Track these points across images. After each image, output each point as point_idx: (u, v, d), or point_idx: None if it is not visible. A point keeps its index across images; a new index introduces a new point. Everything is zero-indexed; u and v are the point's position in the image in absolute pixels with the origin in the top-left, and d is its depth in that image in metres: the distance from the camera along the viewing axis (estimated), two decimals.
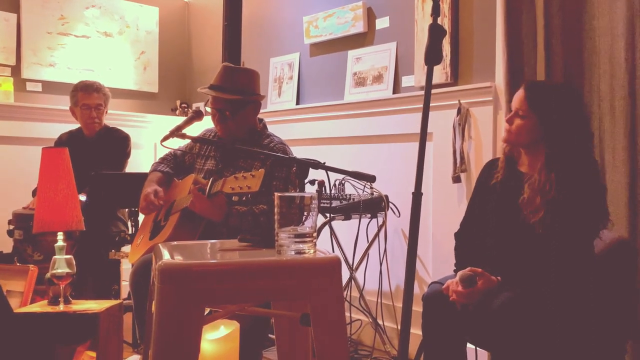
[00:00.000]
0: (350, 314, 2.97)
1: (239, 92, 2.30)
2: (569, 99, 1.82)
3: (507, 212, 1.88)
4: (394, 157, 3.00)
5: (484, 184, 2.00)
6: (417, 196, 1.63)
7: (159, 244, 1.48)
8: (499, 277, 1.79)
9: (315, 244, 1.31)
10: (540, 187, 1.78)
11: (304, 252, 1.28)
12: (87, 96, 3.17)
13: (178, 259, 1.28)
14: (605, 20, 2.25)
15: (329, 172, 1.95)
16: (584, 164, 1.79)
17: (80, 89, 3.19)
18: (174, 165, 2.49)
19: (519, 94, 1.87)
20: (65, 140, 3.25)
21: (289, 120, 3.58)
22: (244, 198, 1.88)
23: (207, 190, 2.03)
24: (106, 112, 3.27)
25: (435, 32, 1.70)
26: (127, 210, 3.22)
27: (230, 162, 2.31)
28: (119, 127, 3.37)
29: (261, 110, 3.61)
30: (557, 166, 1.77)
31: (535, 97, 1.82)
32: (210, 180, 2.05)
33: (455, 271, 1.90)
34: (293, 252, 1.28)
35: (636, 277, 1.98)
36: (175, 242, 1.56)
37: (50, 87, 3.89)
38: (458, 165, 2.63)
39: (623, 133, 2.17)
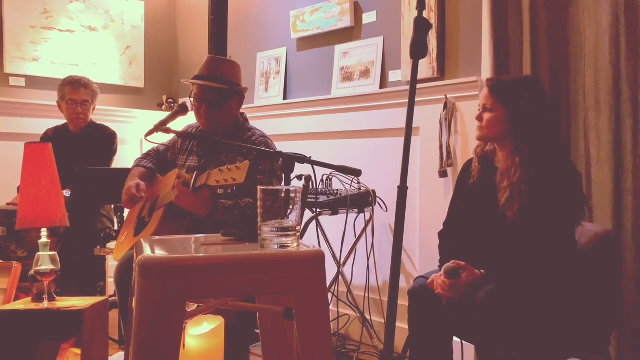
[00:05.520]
0: (338, 308, 2.97)
1: (225, 82, 2.28)
2: (530, 88, 1.90)
3: (485, 207, 1.91)
4: (381, 152, 3.00)
5: (463, 183, 2.05)
6: (402, 190, 1.63)
7: (141, 239, 1.46)
8: (482, 270, 1.80)
9: (298, 238, 1.30)
10: (507, 171, 1.84)
11: (287, 246, 1.27)
12: (74, 91, 3.14)
13: (159, 253, 1.26)
14: (591, 15, 2.25)
15: (315, 167, 1.94)
16: (551, 148, 1.84)
17: (68, 83, 3.16)
18: (157, 162, 2.47)
19: (483, 91, 1.95)
20: (51, 135, 3.23)
21: (276, 115, 3.56)
22: (229, 190, 1.86)
23: (191, 184, 2.01)
24: (94, 108, 3.24)
25: (421, 25, 1.70)
26: (112, 206, 3.20)
27: (213, 157, 2.29)
28: (105, 124, 3.34)
29: (248, 105, 3.64)
30: (522, 150, 1.82)
31: (498, 89, 1.90)
32: (195, 173, 2.04)
33: (440, 267, 1.92)
34: (276, 246, 1.27)
35: (621, 269, 2.00)
36: (157, 237, 1.55)
37: (33, 82, 3.84)
38: (445, 160, 2.64)
39: (608, 127, 2.18)
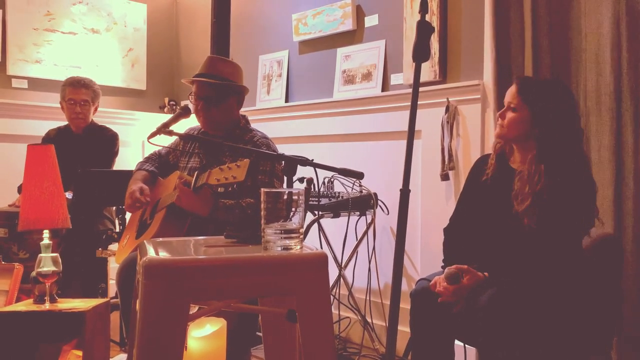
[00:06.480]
0: (339, 311, 2.97)
1: (223, 80, 2.29)
2: (559, 93, 1.85)
3: (497, 207, 1.89)
4: (383, 155, 3.00)
5: (475, 180, 2.01)
6: (404, 193, 1.63)
7: (144, 241, 1.46)
8: (486, 273, 1.80)
9: (302, 240, 1.30)
10: (529, 178, 1.80)
11: (291, 248, 1.27)
12: (74, 91, 3.16)
13: (163, 255, 1.26)
14: (592, 19, 2.26)
15: (317, 170, 1.95)
16: (574, 159, 1.81)
17: (69, 83, 3.18)
18: (159, 165, 2.47)
19: (511, 88, 1.90)
20: (53, 136, 3.24)
21: (278, 118, 3.57)
22: (229, 189, 1.86)
23: (192, 184, 2.01)
24: (95, 109, 3.25)
25: (423, 29, 1.70)
26: (114, 208, 3.20)
27: (215, 158, 2.30)
28: (107, 125, 3.35)
29: (250, 108, 3.65)
30: (547, 158, 1.79)
31: (526, 90, 1.85)
32: (196, 173, 2.04)
33: (443, 267, 1.91)
34: (280, 248, 1.27)
35: (621, 274, 1.99)
36: (161, 239, 1.55)
37: (36, 83, 3.85)
38: (446, 162, 2.64)
39: (608, 131, 2.19)
